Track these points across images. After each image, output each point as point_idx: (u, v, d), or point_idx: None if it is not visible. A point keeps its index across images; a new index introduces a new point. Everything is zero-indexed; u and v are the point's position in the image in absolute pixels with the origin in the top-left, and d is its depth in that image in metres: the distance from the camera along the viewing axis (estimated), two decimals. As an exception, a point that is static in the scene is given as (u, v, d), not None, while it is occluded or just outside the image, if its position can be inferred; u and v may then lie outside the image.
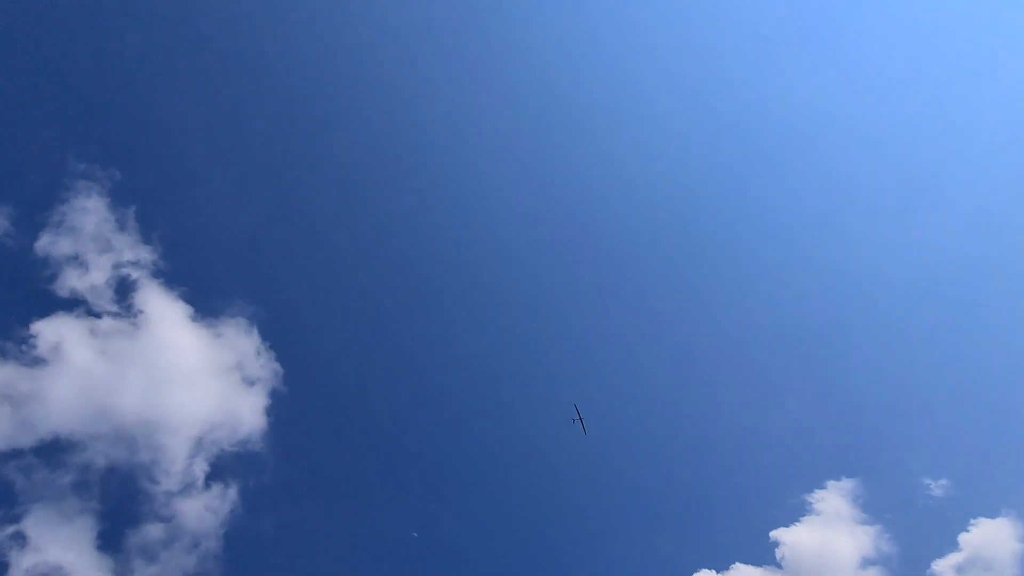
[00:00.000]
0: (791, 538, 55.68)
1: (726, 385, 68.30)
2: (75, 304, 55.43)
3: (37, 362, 51.77)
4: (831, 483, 58.65)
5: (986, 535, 53.60)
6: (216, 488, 54.09)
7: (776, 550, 55.77)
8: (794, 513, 58.27)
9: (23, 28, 59.05)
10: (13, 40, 58.51)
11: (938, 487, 57.67)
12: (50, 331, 53.22)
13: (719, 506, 61.82)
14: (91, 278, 56.66)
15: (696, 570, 55.04)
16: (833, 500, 57.23)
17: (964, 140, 71.49)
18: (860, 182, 72.71)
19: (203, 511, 52.71)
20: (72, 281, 55.94)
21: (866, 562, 54.88)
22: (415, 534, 57.03)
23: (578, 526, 61.25)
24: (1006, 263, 67.35)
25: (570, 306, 72.13)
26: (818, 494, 58.03)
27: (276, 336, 60.47)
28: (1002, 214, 68.44)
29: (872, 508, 57.44)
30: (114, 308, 56.57)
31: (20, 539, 47.47)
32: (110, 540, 50.00)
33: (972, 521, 55.51)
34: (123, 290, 57.48)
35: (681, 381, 69.40)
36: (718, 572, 54.93)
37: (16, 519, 47.93)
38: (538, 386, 68.24)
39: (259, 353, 59.44)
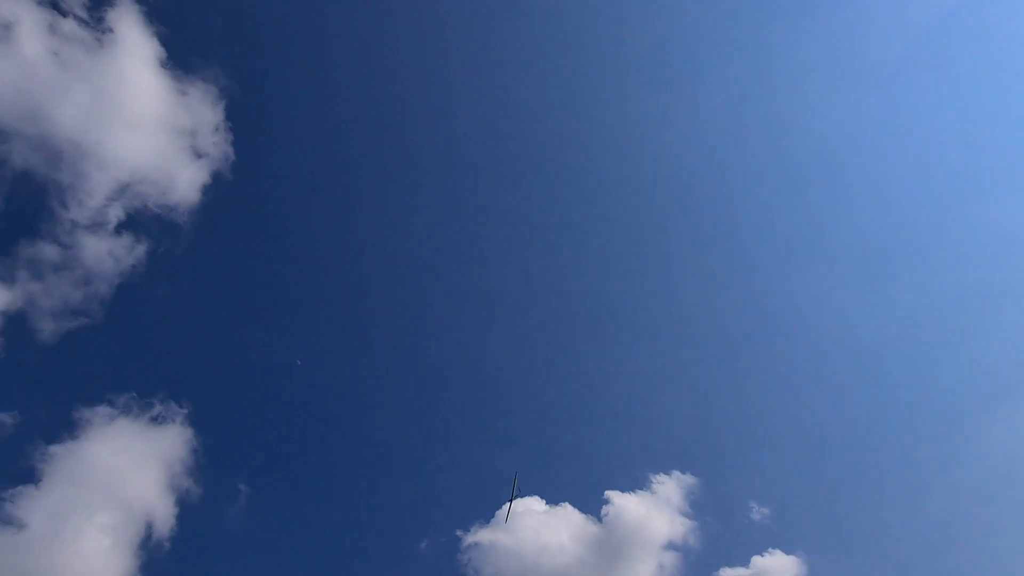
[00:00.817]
0: (621, 502, 61.32)
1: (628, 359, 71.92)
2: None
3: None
4: (675, 472, 64.36)
5: (773, 564, 60.86)
6: (126, 238, 53.07)
7: (604, 506, 61.10)
8: (633, 484, 63.65)
9: None
10: None
11: (759, 512, 64.50)
12: (5, 7, 48.85)
13: (579, 450, 66.85)
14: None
15: (532, 495, 60.00)
16: (670, 486, 62.98)
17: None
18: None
19: (105, 254, 51.86)
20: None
21: (670, 545, 60.80)
22: (299, 361, 58.58)
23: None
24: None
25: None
26: (661, 477, 63.76)
27: (240, 118, 57.98)
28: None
29: (697, 506, 63.29)
30: (83, 14, 52.28)
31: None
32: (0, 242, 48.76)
33: (770, 550, 62.36)
34: (98, 1, 52.98)
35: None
36: (548, 503, 60.13)
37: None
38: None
39: (217, 129, 57.04)
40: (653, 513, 61.40)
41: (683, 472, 64.39)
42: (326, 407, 59.10)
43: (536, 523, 58.81)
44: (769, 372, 71.45)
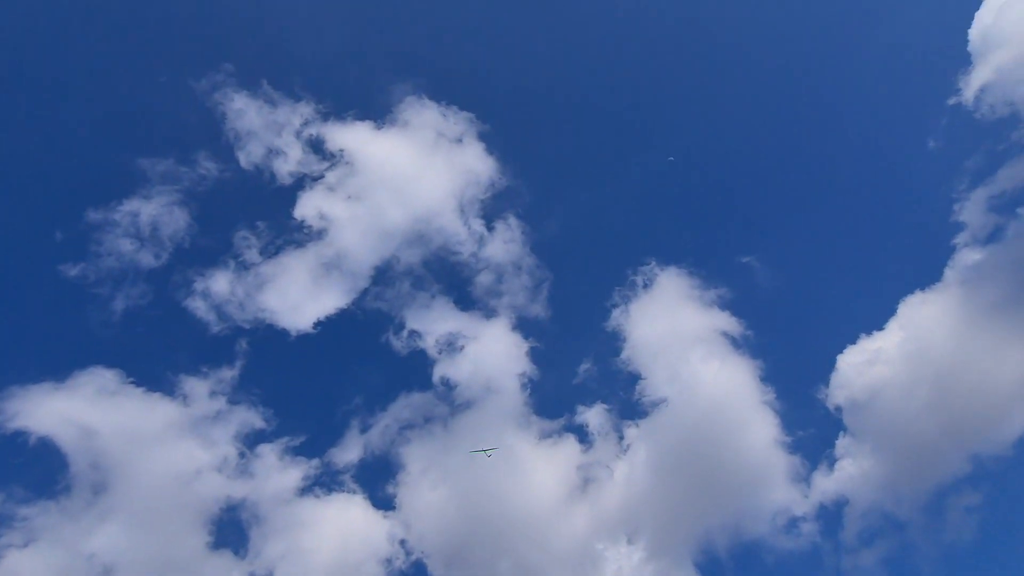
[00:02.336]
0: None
1: None
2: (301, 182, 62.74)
3: (321, 234, 61.40)
4: None
5: None
6: (499, 225, 63.53)
7: None
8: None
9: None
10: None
11: None
12: (308, 209, 61.76)
13: None
14: (291, 156, 62.83)
15: None
16: None
17: None
18: None
19: (503, 244, 62.74)
20: (282, 168, 62.67)
21: None
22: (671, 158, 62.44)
23: None
24: None
25: None
26: None
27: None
28: None
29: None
30: (324, 164, 63.13)
31: (416, 335, 60.89)
32: (464, 301, 62.44)
33: None
34: (316, 148, 63.32)
35: None
36: None
37: (401, 326, 61.21)
38: None
39: (446, 117, 64.72)
40: None
41: None
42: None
43: None
44: None
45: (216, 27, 64.62)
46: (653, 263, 62.18)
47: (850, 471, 53.26)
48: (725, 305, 60.20)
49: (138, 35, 63.27)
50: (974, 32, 56.68)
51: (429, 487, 54.90)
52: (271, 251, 60.24)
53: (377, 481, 55.33)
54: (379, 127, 64.35)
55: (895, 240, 61.87)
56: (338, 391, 59.73)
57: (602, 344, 60.87)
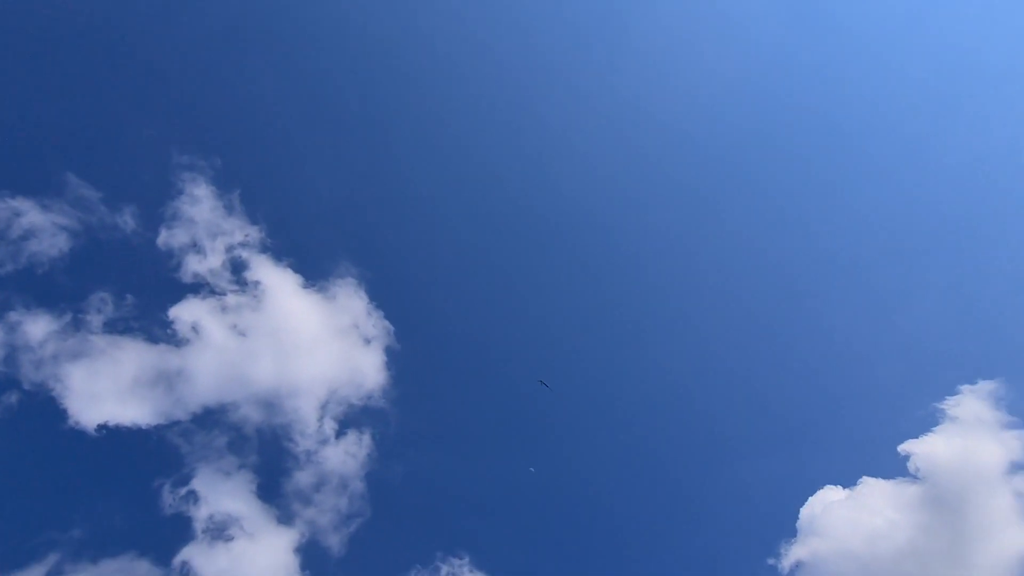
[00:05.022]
0: (923, 449, 53.70)
1: (841, 292, 69.58)
2: (199, 287, 59.98)
3: (181, 342, 56.40)
4: (967, 387, 56.02)
5: None
6: (351, 436, 59.43)
7: (908, 462, 53.98)
8: (925, 424, 55.75)
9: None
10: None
11: None
12: (186, 313, 57.75)
13: (843, 421, 62.23)
14: (208, 262, 61.09)
15: (821, 487, 56.05)
16: (971, 405, 54.47)
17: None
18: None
19: (344, 456, 58.01)
20: (193, 266, 60.35)
21: (1014, 467, 51.89)
22: (532, 469, 62.70)
23: (704, 444, 65.89)
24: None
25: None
26: (952, 400, 55.59)
27: (383, 295, 65.68)
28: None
29: (1019, 409, 53.77)
30: (234, 286, 61.23)
31: (193, 497, 52.24)
32: (268, 490, 55.01)
33: None
34: (237, 268, 62.09)
35: (792, 289, 71.12)
36: (844, 487, 55.33)
37: (186, 480, 52.70)
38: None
39: (369, 313, 64.77)
40: (970, 442, 52.87)
41: (975, 382, 56.08)
42: (580, 501, 62.37)
43: (845, 513, 53.49)
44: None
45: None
46: (467, 559, 58.01)
47: None
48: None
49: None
50: (805, 511, 56.44)
51: None
52: (118, 327, 54.51)
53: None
54: (307, 287, 64.55)
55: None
56: (64, 513, 48.92)
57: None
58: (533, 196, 76.82)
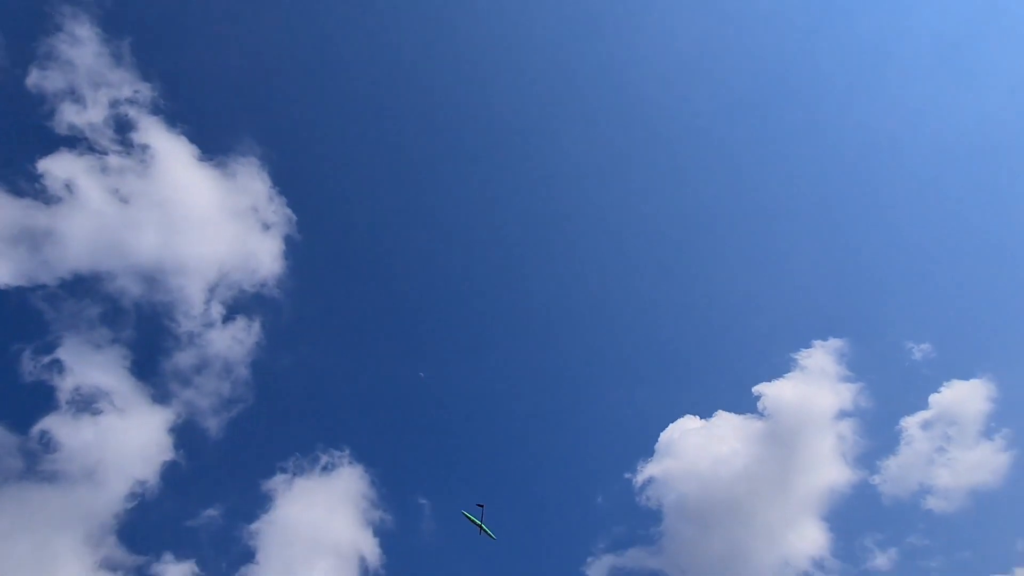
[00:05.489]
0: (773, 391, 60.10)
1: (724, 246, 74.52)
2: (76, 141, 53.68)
3: (51, 199, 50.86)
4: (818, 342, 62.62)
5: (956, 395, 59.08)
6: (240, 322, 57.51)
7: (759, 402, 60.27)
8: (778, 370, 62.24)
9: None
10: None
11: (919, 350, 62.32)
12: (58, 168, 51.81)
13: (710, 361, 68.64)
14: (89, 115, 54.57)
15: (682, 416, 62.02)
16: (819, 357, 61.31)
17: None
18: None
19: (230, 343, 56.25)
20: (70, 117, 53.71)
21: (841, 414, 59.57)
22: (422, 374, 64.00)
23: (584, 371, 69.27)
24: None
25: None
26: (805, 352, 62.31)
27: (288, 182, 62.07)
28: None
29: (855, 366, 61.26)
30: (118, 146, 55.34)
31: (58, 366, 49.05)
32: (144, 367, 52.66)
33: (945, 383, 60.61)
34: (123, 128, 55.98)
35: (685, 241, 75.24)
36: (702, 418, 61.40)
37: (50, 348, 49.17)
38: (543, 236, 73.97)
39: (271, 199, 61.25)
40: (812, 389, 59.74)
41: (827, 339, 62.93)
42: (464, 408, 64.63)
43: (698, 440, 59.63)
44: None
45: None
46: (347, 451, 58.73)
47: None
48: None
49: None
50: (664, 436, 61.64)
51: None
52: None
53: None
54: (203, 160, 59.41)
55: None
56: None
57: (249, 504, 53.52)
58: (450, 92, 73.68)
